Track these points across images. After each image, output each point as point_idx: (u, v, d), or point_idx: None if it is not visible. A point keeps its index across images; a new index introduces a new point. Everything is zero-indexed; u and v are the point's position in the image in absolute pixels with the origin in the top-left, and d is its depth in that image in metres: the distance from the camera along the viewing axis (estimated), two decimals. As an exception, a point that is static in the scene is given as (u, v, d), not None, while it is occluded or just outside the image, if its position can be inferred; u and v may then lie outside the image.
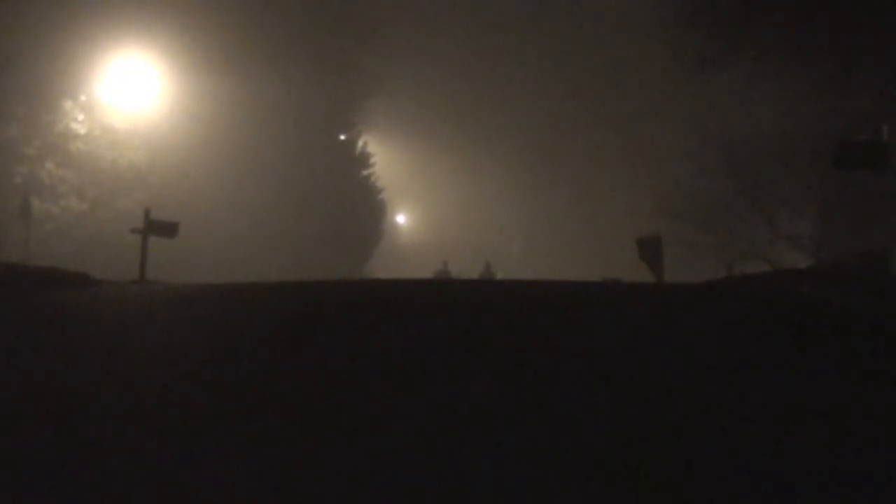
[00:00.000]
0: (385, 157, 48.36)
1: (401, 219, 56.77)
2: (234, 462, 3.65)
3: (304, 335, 6.92)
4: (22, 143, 28.86)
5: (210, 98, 33.20)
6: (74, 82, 30.07)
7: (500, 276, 30.32)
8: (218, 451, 3.80)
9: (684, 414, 4.40)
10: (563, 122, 51.94)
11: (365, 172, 45.69)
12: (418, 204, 57.02)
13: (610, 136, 49.49)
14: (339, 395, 4.81)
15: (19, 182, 28.18)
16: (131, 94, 31.61)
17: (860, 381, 5.23)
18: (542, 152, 53.11)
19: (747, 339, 6.75)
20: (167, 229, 18.83)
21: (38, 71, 28.56)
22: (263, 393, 4.87)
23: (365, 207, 44.20)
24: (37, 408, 4.55)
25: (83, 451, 3.80)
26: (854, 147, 12.39)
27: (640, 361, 5.74)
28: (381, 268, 42.86)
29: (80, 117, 30.29)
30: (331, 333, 7.00)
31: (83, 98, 30.43)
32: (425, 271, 29.24)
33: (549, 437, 3.98)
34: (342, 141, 44.16)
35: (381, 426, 4.17)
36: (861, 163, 12.36)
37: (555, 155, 52.77)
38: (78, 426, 4.19)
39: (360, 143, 45.82)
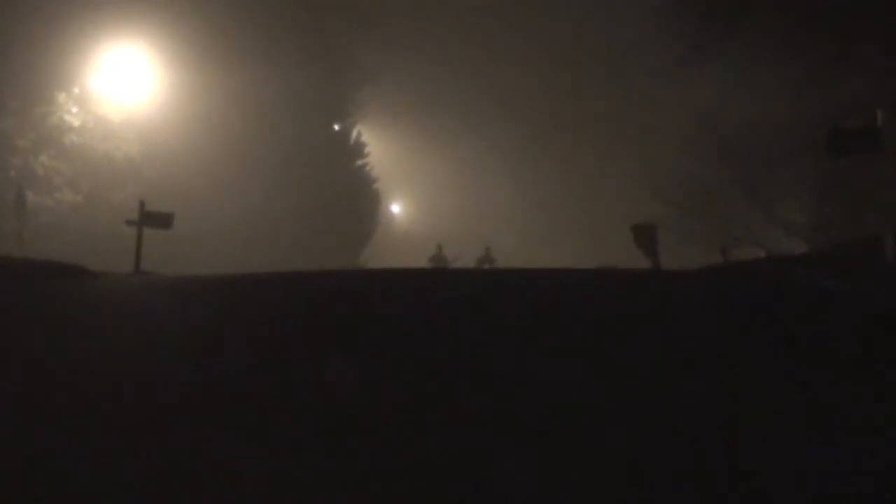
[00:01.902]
0: (379, 146, 48.32)
1: (396, 208, 56.73)
2: (230, 454, 3.66)
3: (300, 326, 6.92)
4: (15, 136, 28.80)
5: (204, 89, 33.14)
6: (68, 74, 29.99)
7: (498, 262, 30.21)
8: (216, 443, 3.81)
9: (684, 402, 4.41)
10: (557, 111, 51.90)
11: (359, 162, 45.65)
12: (413, 193, 56.98)
13: (604, 123, 49.47)
14: (334, 388, 4.82)
15: (13, 175, 28.12)
16: (125, 85, 31.53)
17: (857, 366, 5.24)
18: (537, 141, 53.11)
19: (743, 325, 6.77)
20: (162, 221, 18.77)
21: (31, 63, 28.48)
22: (260, 385, 4.87)
23: (360, 197, 44.18)
24: (35, 400, 4.56)
25: (80, 443, 3.81)
26: (847, 133, 12.40)
27: (636, 349, 5.75)
28: (376, 257, 42.83)
29: (74, 109, 30.21)
30: (328, 324, 7.00)
31: (77, 90, 30.35)
32: (421, 261, 29.20)
33: (549, 430, 3.99)
34: (336, 131, 44.11)
35: (380, 420, 4.18)
36: (854, 148, 12.37)
37: (549, 143, 52.77)
38: (75, 418, 4.19)
39: (355, 133, 45.77)
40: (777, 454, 3.54)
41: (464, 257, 28.92)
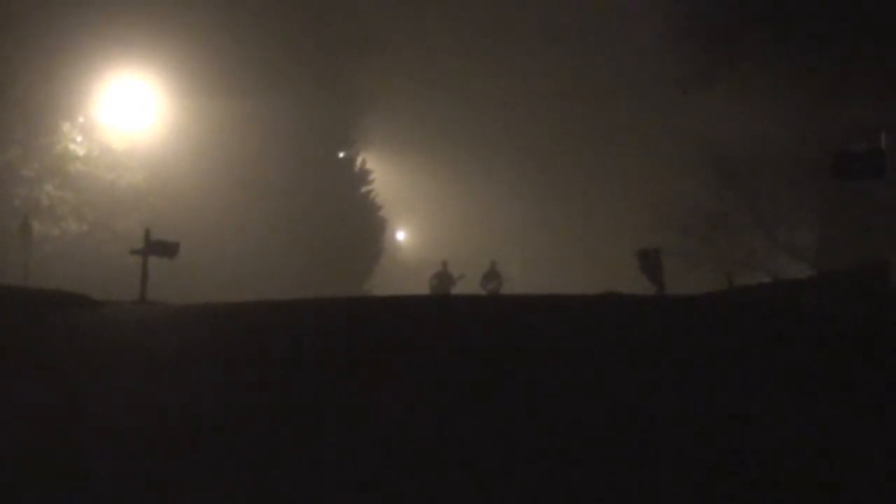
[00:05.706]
0: (384, 173, 48.35)
1: (401, 235, 56.70)
2: (233, 483, 3.64)
3: (305, 354, 6.90)
4: (21, 166, 28.87)
5: (208, 117, 33.23)
6: (72, 104, 30.08)
7: (505, 279, 30.02)
8: (217, 471, 3.79)
9: (686, 425, 4.39)
10: (562, 137, 52.00)
11: (364, 189, 45.71)
12: (418, 220, 56.95)
13: (609, 150, 49.57)
14: (339, 416, 4.80)
15: (18, 204, 28.17)
16: (129, 114, 31.62)
17: (861, 390, 5.22)
18: (542, 167, 53.15)
19: (748, 350, 6.74)
20: (168, 249, 18.76)
21: (36, 93, 28.60)
22: (263, 413, 4.85)
23: (364, 224, 44.19)
24: (38, 429, 4.54)
25: (82, 473, 3.79)
26: (853, 157, 12.40)
27: (639, 375, 5.73)
28: (382, 284, 42.76)
29: (79, 139, 30.29)
30: (331, 352, 6.98)
31: (81, 119, 30.44)
32: (426, 288, 29.11)
33: (549, 455, 3.97)
34: (341, 158, 44.21)
35: (385, 449, 4.16)
36: (860, 173, 12.36)
37: (554, 169, 52.83)
38: (79, 448, 4.18)
39: (359, 161, 45.88)
40: (782, 475, 3.52)
41: (468, 275, 28.74)
